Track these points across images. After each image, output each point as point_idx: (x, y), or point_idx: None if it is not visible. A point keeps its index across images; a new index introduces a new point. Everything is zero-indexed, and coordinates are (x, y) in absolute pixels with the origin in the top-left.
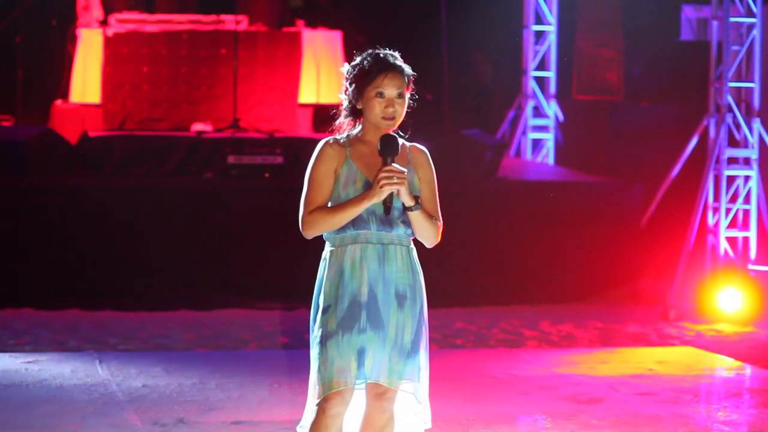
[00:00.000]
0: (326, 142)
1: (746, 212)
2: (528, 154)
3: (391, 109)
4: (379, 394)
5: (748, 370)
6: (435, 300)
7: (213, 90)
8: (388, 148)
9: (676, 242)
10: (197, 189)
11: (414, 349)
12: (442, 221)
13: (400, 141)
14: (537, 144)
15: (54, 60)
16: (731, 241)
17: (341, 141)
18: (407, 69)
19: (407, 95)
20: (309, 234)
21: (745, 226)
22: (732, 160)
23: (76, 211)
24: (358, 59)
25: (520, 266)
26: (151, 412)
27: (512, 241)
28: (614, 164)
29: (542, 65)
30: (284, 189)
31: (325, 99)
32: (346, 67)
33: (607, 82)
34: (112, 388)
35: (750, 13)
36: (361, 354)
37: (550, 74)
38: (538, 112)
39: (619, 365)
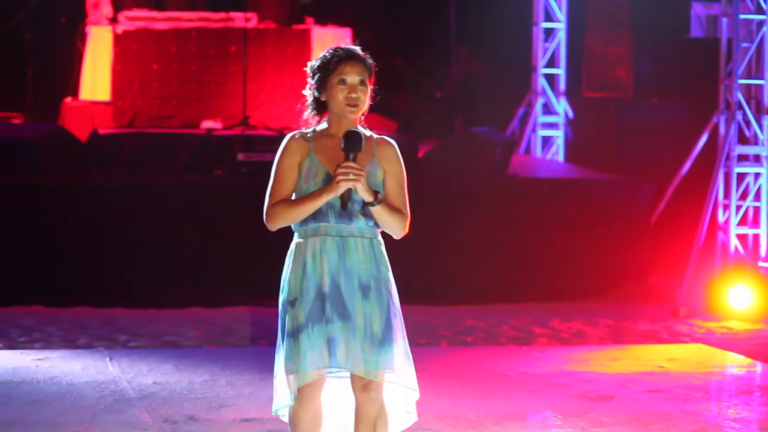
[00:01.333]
0: (291, 136)
1: (756, 209)
2: (538, 151)
3: (354, 95)
4: (365, 386)
5: (759, 367)
6: (444, 297)
7: (223, 87)
8: (350, 143)
9: (686, 239)
10: (207, 186)
11: (386, 339)
12: (409, 213)
13: (367, 133)
14: (547, 141)
15: (64, 57)
16: (741, 238)
17: (306, 135)
18: (368, 59)
19: (370, 86)
20: (272, 226)
21: (756, 223)
22: (742, 157)
23: (86, 208)
24: (321, 53)
25: (530, 263)
26: (162, 410)
27: (522, 239)
28: (624, 161)
29: (552, 62)
30: None
31: None
32: (309, 64)
33: (616, 79)
34: (123, 386)
35: (760, 10)
36: (331, 343)
37: (560, 71)
38: (547, 109)
39: (629, 362)
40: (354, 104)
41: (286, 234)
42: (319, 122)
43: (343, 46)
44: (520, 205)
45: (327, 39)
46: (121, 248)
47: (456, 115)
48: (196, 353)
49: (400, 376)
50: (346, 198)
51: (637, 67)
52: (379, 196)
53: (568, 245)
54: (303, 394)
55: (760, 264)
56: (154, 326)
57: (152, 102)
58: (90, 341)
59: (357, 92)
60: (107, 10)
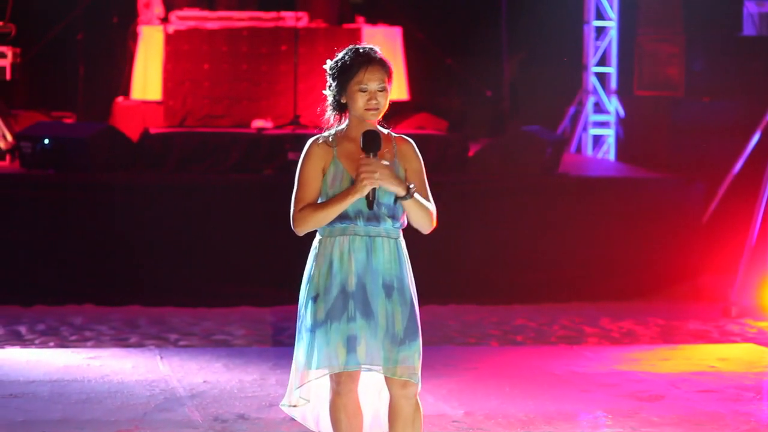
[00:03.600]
0: (314, 142)
1: None
2: (589, 149)
3: (374, 102)
4: (402, 384)
5: None
6: (495, 296)
7: (273, 87)
8: (369, 143)
9: (738, 238)
10: (257, 185)
11: (408, 337)
12: (434, 207)
13: (385, 131)
14: (598, 140)
15: (115, 57)
16: None
17: (329, 140)
18: (387, 62)
19: (389, 87)
20: (299, 231)
21: None
22: None
23: (137, 207)
24: (339, 55)
25: (581, 263)
26: (212, 408)
27: (572, 238)
28: (675, 160)
29: (603, 61)
30: None
31: None
32: (328, 64)
33: (668, 77)
34: (173, 384)
35: None
36: (350, 341)
37: (611, 70)
38: (598, 107)
39: (680, 362)
40: (374, 109)
41: None
42: (339, 122)
43: (360, 48)
44: (570, 204)
45: (378, 38)
46: (171, 247)
47: (506, 113)
48: (246, 352)
49: (413, 370)
50: (371, 198)
51: (689, 65)
52: (411, 187)
53: (619, 244)
54: (340, 387)
55: None
56: (204, 325)
57: (203, 101)
58: (141, 340)
59: (377, 98)
60: (158, 9)
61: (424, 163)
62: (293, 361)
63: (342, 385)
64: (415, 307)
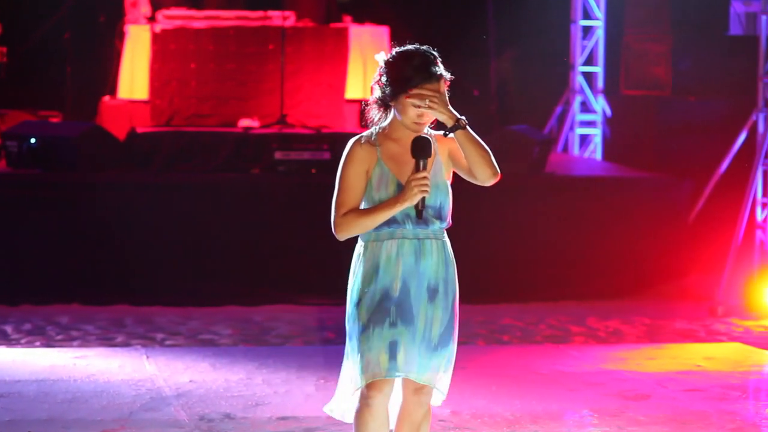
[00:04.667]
0: (356, 142)
1: None
2: (575, 149)
3: (425, 118)
4: (417, 389)
5: None
6: (481, 296)
7: (260, 86)
8: (420, 151)
9: (724, 238)
10: (244, 185)
11: (441, 343)
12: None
13: (431, 139)
14: (584, 139)
15: (102, 56)
16: None
17: (372, 140)
18: (446, 74)
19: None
20: (341, 236)
21: None
22: None
23: (124, 207)
24: (398, 55)
25: (567, 262)
26: (198, 408)
27: (559, 237)
28: (662, 159)
29: (590, 60)
30: (331, 185)
31: None
32: (383, 57)
33: (655, 76)
34: (159, 384)
35: None
36: (392, 347)
37: (598, 69)
38: (585, 107)
39: (666, 361)
40: (423, 124)
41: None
42: (383, 118)
43: (422, 57)
44: (557, 203)
45: (365, 37)
46: (157, 246)
47: (494, 113)
48: (233, 351)
49: (440, 377)
50: (421, 207)
51: (676, 64)
52: (462, 120)
53: (605, 243)
54: (371, 401)
55: None
56: (190, 324)
57: (190, 101)
58: (127, 339)
59: (429, 115)
60: (145, 9)
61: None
62: (345, 366)
63: (374, 396)
64: (455, 314)
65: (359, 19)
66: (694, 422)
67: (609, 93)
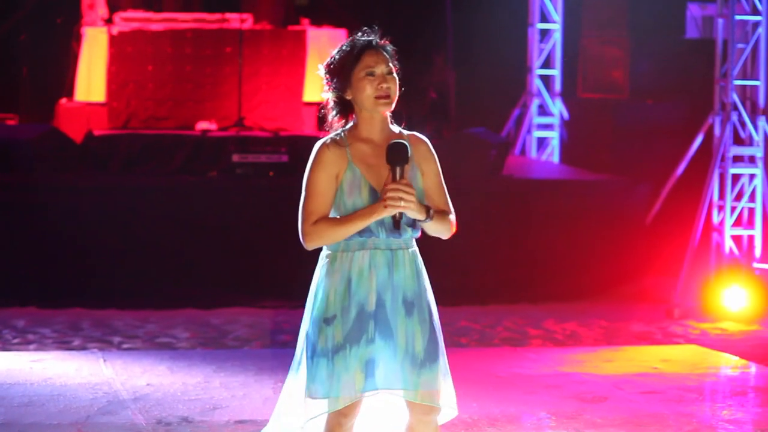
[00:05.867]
0: (324, 145)
1: (751, 210)
2: (533, 152)
3: (384, 85)
4: (421, 409)
5: (753, 368)
6: (439, 298)
7: (218, 88)
8: (396, 156)
9: (681, 240)
10: (202, 187)
11: (428, 358)
12: (453, 211)
13: (397, 130)
14: (542, 142)
15: (59, 58)
16: (736, 239)
17: (340, 141)
18: (389, 46)
19: (396, 74)
20: (311, 246)
21: (750, 224)
22: (737, 159)
23: (81, 209)
24: (334, 52)
25: (525, 265)
26: (155, 411)
27: (517, 240)
28: (619, 162)
29: (547, 63)
30: (289, 187)
31: None
32: (324, 64)
33: (612, 80)
34: (117, 387)
35: (755, 11)
36: (369, 365)
37: (555, 72)
38: (543, 110)
39: (623, 364)
40: (386, 95)
41: (281, 235)
42: (344, 124)
43: (357, 36)
44: (514, 206)
45: (323, 40)
46: (115, 249)
47: (451, 116)
48: (190, 355)
49: (443, 394)
50: (398, 217)
51: (633, 68)
52: (431, 212)
53: (563, 246)
54: (345, 422)
55: (755, 265)
56: (147, 328)
57: (147, 103)
58: (84, 343)
59: (387, 82)
60: (102, 11)
61: None
62: (291, 386)
63: (348, 419)
64: (436, 325)
65: (317, 22)
66: (651, 424)
67: (566, 96)
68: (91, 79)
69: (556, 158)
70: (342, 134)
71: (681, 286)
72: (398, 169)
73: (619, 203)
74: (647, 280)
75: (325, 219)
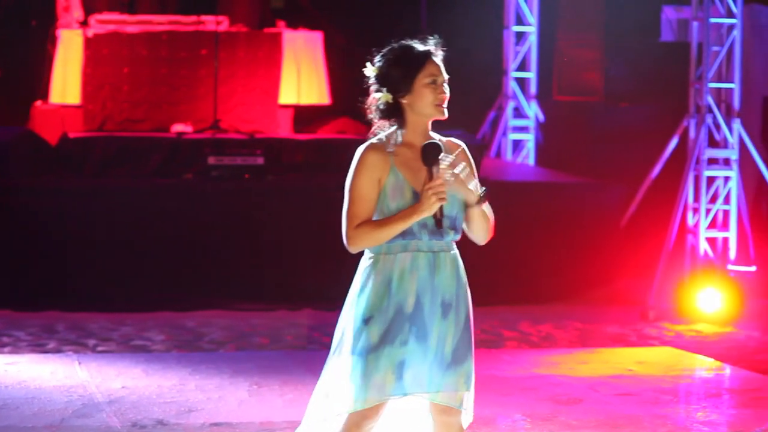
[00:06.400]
0: (367, 148)
1: (726, 213)
2: (508, 154)
3: (443, 95)
4: (444, 410)
5: (728, 370)
6: None
7: (193, 91)
8: (431, 156)
9: (655, 243)
10: (178, 190)
11: (456, 360)
12: (493, 215)
13: (436, 137)
14: (517, 145)
15: (34, 61)
16: (711, 241)
17: (384, 146)
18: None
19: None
20: (354, 249)
21: (725, 226)
22: (712, 161)
23: (56, 212)
24: (389, 54)
25: (500, 267)
26: (131, 414)
27: (492, 242)
28: (594, 165)
29: (523, 66)
30: (264, 190)
31: (306, 100)
32: (374, 65)
33: (587, 82)
34: (91, 390)
35: (730, 14)
36: (399, 367)
37: (531, 75)
38: (518, 112)
39: (598, 366)
40: (444, 104)
41: (256, 237)
42: (387, 126)
43: (414, 43)
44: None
45: (298, 42)
46: (90, 252)
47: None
48: (165, 357)
49: (467, 396)
50: (439, 216)
51: (608, 70)
52: (483, 193)
53: (538, 248)
54: (363, 426)
55: (730, 267)
56: (122, 330)
57: (123, 105)
58: (59, 345)
59: (445, 91)
60: (78, 13)
61: (344, 168)
62: (326, 383)
63: (367, 420)
64: (470, 329)
65: (293, 25)
66: (626, 426)
67: (542, 99)
68: (67, 82)
69: (531, 161)
70: (385, 138)
71: (656, 288)
72: (434, 169)
73: (594, 206)
74: (622, 282)
75: (367, 222)
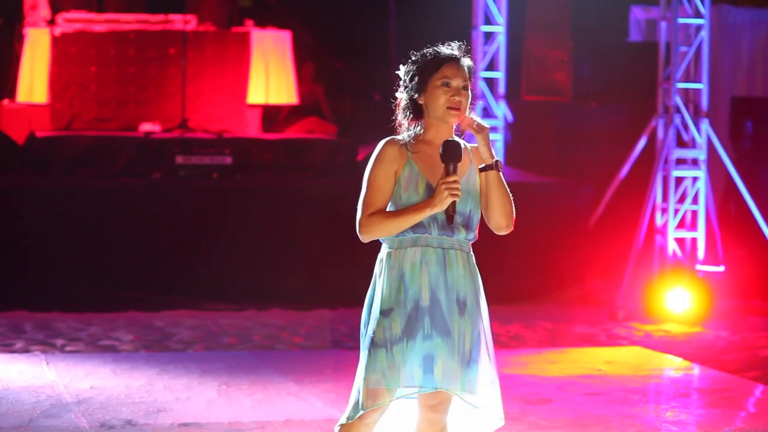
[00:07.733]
0: (388, 142)
1: (694, 213)
2: None
3: (457, 98)
4: (433, 406)
5: (697, 370)
6: None
7: (161, 90)
8: (449, 153)
9: (624, 243)
10: (145, 189)
11: (472, 359)
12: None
13: (461, 143)
14: None
15: (1, 59)
16: (679, 241)
17: (403, 141)
18: (470, 62)
19: (471, 92)
20: (365, 237)
21: (693, 226)
22: (680, 161)
23: (23, 211)
24: (417, 55)
25: None
26: (99, 414)
27: None
28: (563, 165)
29: (491, 66)
30: (232, 189)
31: (274, 99)
32: (405, 66)
33: (555, 82)
34: (59, 390)
35: (698, 14)
36: (427, 360)
37: (499, 75)
38: (487, 112)
39: (568, 366)
40: (456, 107)
41: (224, 237)
42: (412, 126)
43: (444, 46)
44: None
45: (266, 42)
46: (58, 252)
47: (395, 118)
48: (134, 357)
49: (481, 397)
50: (451, 212)
51: (576, 70)
52: (499, 162)
53: (507, 248)
54: (366, 417)
55: (698, 267)
56: (90, 330)
57: (90, 104)
58: (26, 345)
59: (460, 95)
60: (45, 11)
61: (313, 168)
62: (359, 378)
63: (375, 410)
64: (484, 326)
65: (261, 24)
66: (595, 426)
67: (510, 98)
68: (34, 81)
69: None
70: (406, 136)
71: (625, 288)
72: (451, 166)
73: (562, 206)
74: (591, 283)
75: (380, 212)
